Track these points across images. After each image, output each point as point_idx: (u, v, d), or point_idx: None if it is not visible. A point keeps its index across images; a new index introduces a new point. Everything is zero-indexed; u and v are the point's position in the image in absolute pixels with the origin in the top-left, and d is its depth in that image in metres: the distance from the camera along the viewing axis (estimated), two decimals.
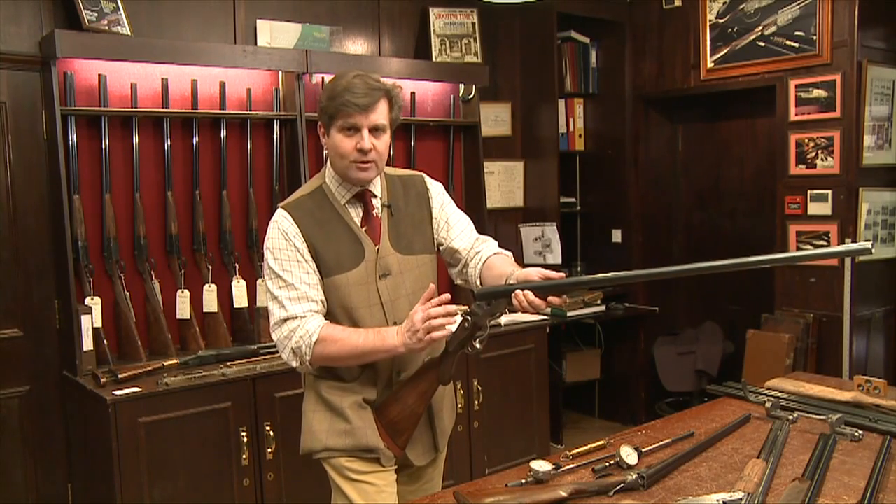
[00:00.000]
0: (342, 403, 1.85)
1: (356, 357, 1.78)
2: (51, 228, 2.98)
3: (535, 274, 1.71)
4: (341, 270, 1.82)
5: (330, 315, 1.84)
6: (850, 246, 1.25)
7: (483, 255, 1.94)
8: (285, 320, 1.78)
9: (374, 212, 1.88)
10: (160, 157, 3.11)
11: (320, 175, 1.92)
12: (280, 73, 3.37)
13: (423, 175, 2.03)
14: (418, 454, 1.94)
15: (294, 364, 1.80)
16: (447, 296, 1.73)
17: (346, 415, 1.85)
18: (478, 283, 1.91)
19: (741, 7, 4.04)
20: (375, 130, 1.78)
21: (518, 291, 1.66)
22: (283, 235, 1.81)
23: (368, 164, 1.79)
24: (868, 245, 1.29)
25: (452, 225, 1.98)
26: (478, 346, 1.78)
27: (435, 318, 1.69)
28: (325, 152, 1.89)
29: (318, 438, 1.87)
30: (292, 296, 1.78)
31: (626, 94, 4.62)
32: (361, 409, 1.86)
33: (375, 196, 1.89)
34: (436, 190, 2.01)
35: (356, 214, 1.87)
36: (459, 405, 3.42)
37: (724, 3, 4.12)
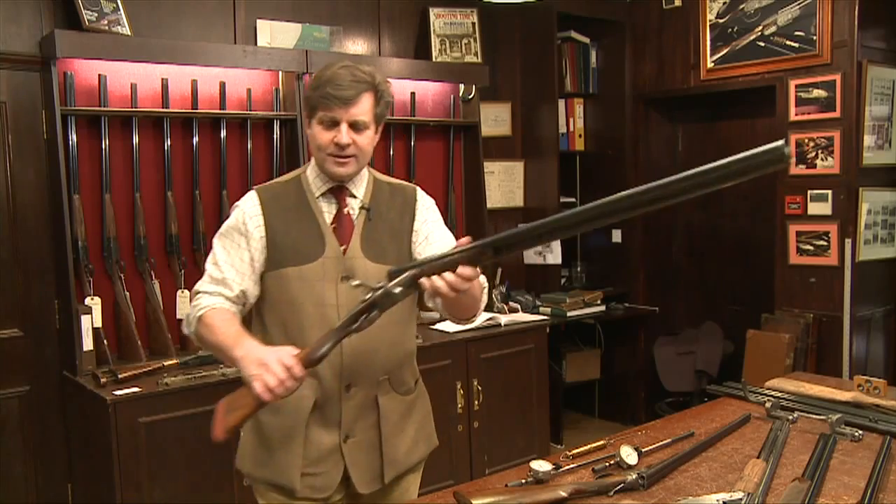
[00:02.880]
0: (271, 430, 1.72)
1: (218, 351, 1.63)
2: (51, 228, 2.98)
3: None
4: (295, 262, 1.71)
5: (274, 309, 1.75)
6: (761, 148, 1.17)
7: None
8: (197, 292, 1.72)
9: (347, 210, 1.76)
10: (160, 157, 3.11)
11: (301, 168, 1.85)
12: (280, 73, 3.37)
13: (418, 188, 1.92)
14: (358, 477, 1.74)
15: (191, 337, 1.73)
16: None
17: (271, 444, 1.72)
18: (441, 311, 1.74)
19: (741, 7, 4.04)
20: (356, 125, 1.68)
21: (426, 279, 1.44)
22: (241, 215, 1.74)
23: (346, 160, 1.70)
24: (781, 144, 1.18)
25: (431, 242, 1.81)
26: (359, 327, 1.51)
27: (287, 376, 1.44)
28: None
29: (244, 463, 1.79)
30: (214, 275, 1.72)
31: (626, 94, 4.62)
32: (288, 441, 1.70)
33: (354, 196, 1.79)
34: (425, 203, 1.88)
35: (328, 210, 1.77)
36: (459, 405, 3.42)
37: (724, 3, 4.12)
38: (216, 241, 1.77)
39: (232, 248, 1.73)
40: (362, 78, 1.69)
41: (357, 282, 1.60)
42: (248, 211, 1.75)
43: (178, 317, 3.10)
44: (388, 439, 1.77)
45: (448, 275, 1.42)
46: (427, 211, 1.87)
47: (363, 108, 1.69)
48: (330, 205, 1.77)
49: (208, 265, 1.75)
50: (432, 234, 1.84)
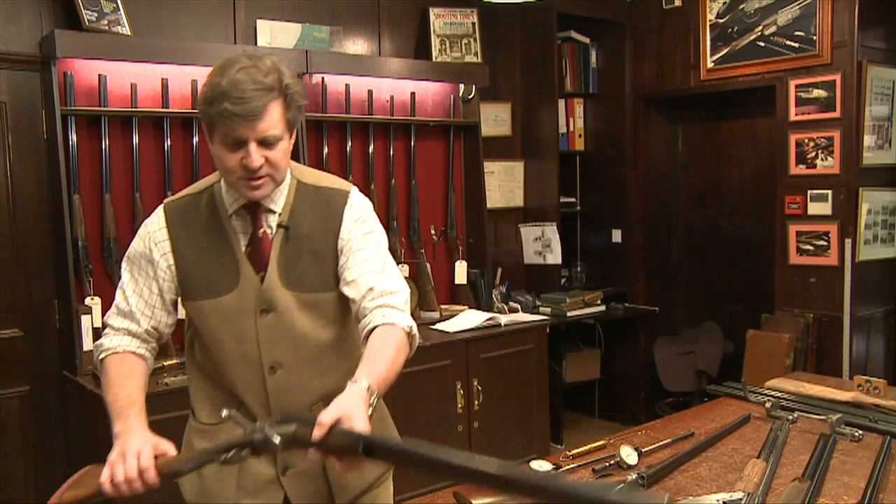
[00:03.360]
0: None
1: (107, 408, 1.46)
2: (51, 228, 2.98)
3: (326, 416, 1.23)
4: (209, 295, 1.51)
5: (199, 337, 1.58)
6: (643, 497, 1.10)
7: (369, 324, 1.47)
8: (105, 325, 1.57)
9: (262, 231, 1.51)
10: (160, 157, 3.11)
11: (216, 174, 1.57)
12: None
13: (351, 191, 1.60)
14: (298, 493, 1.58)
15: None
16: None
17: (204, 472, 1.56)
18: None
19: (741, 7, 4.04)
20: (266, 141, 1.40)
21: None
22: (147, 239, 1.54)
23: (261, 181, 1.43)
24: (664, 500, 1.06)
25: (350, 267, 1.52)
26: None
27: (137, 477, 1.30)
28: None
29: (183, 486, 1.63)
30: (121, 306, 1.55)
31: (626, 94, 4.62)
32: (221, 470, 1.49)
33: (272, 211, 1.52)
34: (354, 213, 1.56)
35: (242, 230, 1.52)
36: (459, 405, 3.42)
37: (724, 3, 4.12)
38: (124, 265, 1.58)
39: (139, 276, 1.55)
40: (266, 84, 1.38)
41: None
42: (153, 235, 1.54)
43: (178, 317, 3.09)
44: (331, 466, 1.48)
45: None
46: (354, 224, 1.56)
47: (272, 121, 1.39)
48: (245, 223, 1.52)
49: (117, 292, 1.57)
50: (356, 253, 1.53)
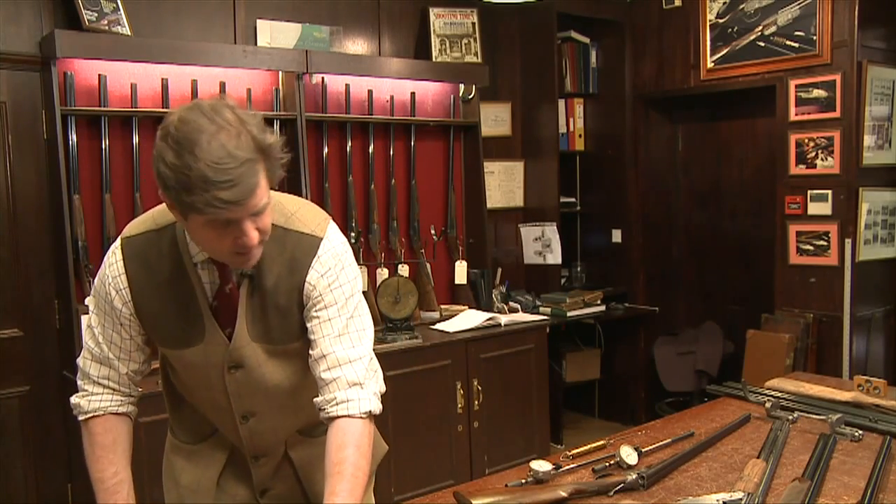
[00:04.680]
0: (181, 473, 1.58)
1: (91, 481, 1.44)
2: (51, 228, 2.98)
3: None
4: (175, 346, 1.42)
5: (174, 372, 1.52)
6: None
7: (326, 412, 1.37)
8: (82, 373, 1.46)
9: (229, 287, 1.37)
10: None
11: None
12: (280, 73, 3.37)
13: (323, 237, 1.41)
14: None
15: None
16: None
17: (179, 491, 1.57)
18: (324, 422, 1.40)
19: (741, 7, 4.04)
20: (255, 213, 1.23)
21: None
22: (106, 285, 1.40)
23: (253, 251, 1.28)
24: None
25: (311, 322, 1.40)
26: None
27: None
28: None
29: (168, 495, 1.64)
30: (95, 352, 1.44)
31: (626, 94, 4.62)
32: (199, 488, 1.55)
33: None
34: (322, 266, 1.39)
35: (209, 280, 1.38)
36: (459, 405, 3.42)
37: (724, 3, 4.12)
38: (91, 303, 1.45)
39: (107, 321, 1.43)
40: (248, 154, 1.17)
41: None
42: (112, 280, 1.39)
43: None
44: (311, 486, 1.56)
45: None
46: (321, 279, 1.39)
47: (262, 192, 1.22)
48: (211, 273, 1.37)
49: (86, 333, 1.46)
50: (310, 319, 1.40)
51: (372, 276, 3.65)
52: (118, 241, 1.42)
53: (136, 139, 3.02)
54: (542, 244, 4.42)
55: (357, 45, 3.84)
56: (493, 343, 3.56)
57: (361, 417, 1.36)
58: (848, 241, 3.69)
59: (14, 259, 2.95)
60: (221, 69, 3.20)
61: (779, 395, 2.21)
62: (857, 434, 1.86)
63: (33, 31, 2.92)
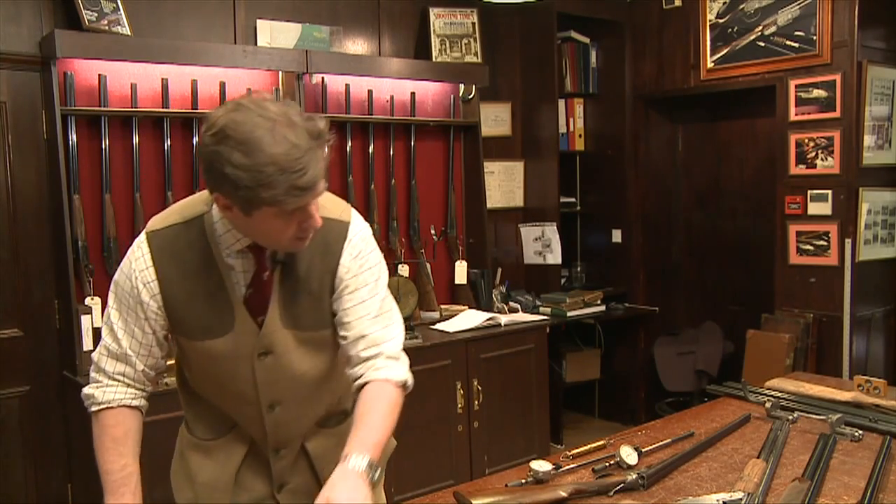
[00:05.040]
0: (198, 470, 1.56)
1: (100, 473, 1.42)
2: (51, 228, 2.98)
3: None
4: (202, 337, 1.42)
5: (192, 366, 1.52)
6: None
7: (362, 377, 1.44)
8: (97, 367, 1.46)
9: (266, 274, 1.41)
10: (160, 157, 3.11)
11: (203, 201, 1.43)
12: (280, 73, 3.37)
13: (350, 222, 1.47)
14: (290, 499, 1.59)
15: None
16: None
17: (196, 488, 1.56)
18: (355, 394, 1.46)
19: (741, 7, 4.04)
20: (317, 196, 1.30)
21: None
22: (133, 278, 1.40)
23: (310, 234, 1.35)
24: None
25: (345, 308, 1.45)
26: None
27: None
28: (212, 203, 1.37)
29: (175, 494, 1.63)
30: (112, 347, 1.44)
31: (626, 94, 4.62)
32: (216, 484, 1.54)
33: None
34: (353, 249, 1.46)
35: (242, 269, 1.41)
36: (459, 405, 3.42)
37: (724, 3, 4.12)
38: (111, 299, 1.45)
39: (128, 315, 1.42)
40: (305, 137, 1.22)
41: None
42: (139, 275, 1.40)
43: None
44: (325, 479, 1.50)
45: None
46: (353, 262, 1.46)
47: (324, 175, 1.28)
48: (246, 262, 1.41)
49: (105, 330, 1.45)
50: (344, 304, 1.45)
51: None
52: (143, 236, 1.43)
53: (136, 139, 3.02)
54: (542, 244, 4.42)
55: (357, 45, 3.84)
56: (493, 343, 3.56)
57: (396, 386, 1.42)
58: (848, 241, 3.69)
59: (14, 259, 2.95)
60: (221, 69, 3.20)
61: (779, 395, 2.21)
62: (857, 434, 1.86)
63: (33, 31, 2.92)
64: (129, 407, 1.46)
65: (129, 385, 1.46)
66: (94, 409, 1.44)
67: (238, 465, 1.56)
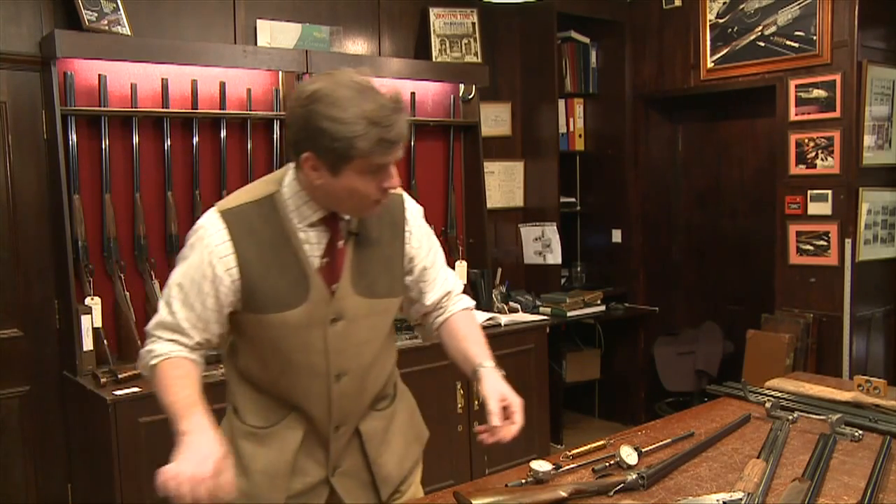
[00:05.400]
0: (251, 459, 1.55)
1: (167, 412, 1.42)
2: (51, 228, 2.98)
3: (492, 396, 1.51)
4: (277, 309, 1.46)
5: (253, 345, 1.54)
6: None
7: (449, 311, 1.69)
8: (150, 335, 1.50)
9: (341, 242, 1.50)
10: (160, 157, 3.11)
11: (273, 181, 1.51)
12: (280, 73, 3.37)
13: (403, 194, 1.66)
14: (348, 490, 1.62)
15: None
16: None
17: (252, 477, 1.54)
18: (434, 335, 1.72)
19: (741, 7, 4.04)
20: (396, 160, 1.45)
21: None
22: (207, 253, 1.44)
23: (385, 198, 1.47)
24: None
25: (428, 267, 1.65)
26: None
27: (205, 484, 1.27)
28: (297, 172, 1.47)
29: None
30: (168, 321, 1.48)
31: (626, 94, 4.62)
32: (272, 473, 1.54)
33: (343, 219, 1.51)
34: (414, 220, 1.64)
35: (317, 241, 1.49)
36: (459, 405, 3.42)
37: (724, 3, 4.12)
38: (176, 275, 1.48)
39: (193, 291, 1.45)
40: (401, 102, 1.41)
41: None
42: (215, 249, 1.44)
43: None
44: (375, 460, 1.64)
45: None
46: (417, 229, 1.64)
47: (406, 137, 1.44)
48: (320, 235, 1.49)
49: (162, 305, 1.49)
50: (427, 258, 1.65)
51: None
52: (215, 213, 1.47)
53: (136, 139, 3.02)
54: (542, 244, 4.42)
55: (357, 45, 3.84)
56: (493, 343, 3.48)
57: (472, 310, 1.72)
58: (848, 241, 3.69)
59: (14, 259, 2.95)
60: (221, 69, 3.20)
61: (779, 395, 2.21)
62: (857, 434, 1.86)
63: (33, 31, 2.92)
64: (187, 358, 1.49)
65: (183, 346, 1.49)
66: (153, 361, 1.47)
67: (295, 451, 1.56)
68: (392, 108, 1.37)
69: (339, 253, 1.50)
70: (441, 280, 1.69)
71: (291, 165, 1.48)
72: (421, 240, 1.64)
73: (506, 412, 1.52)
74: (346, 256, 1.51)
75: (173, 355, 1.47)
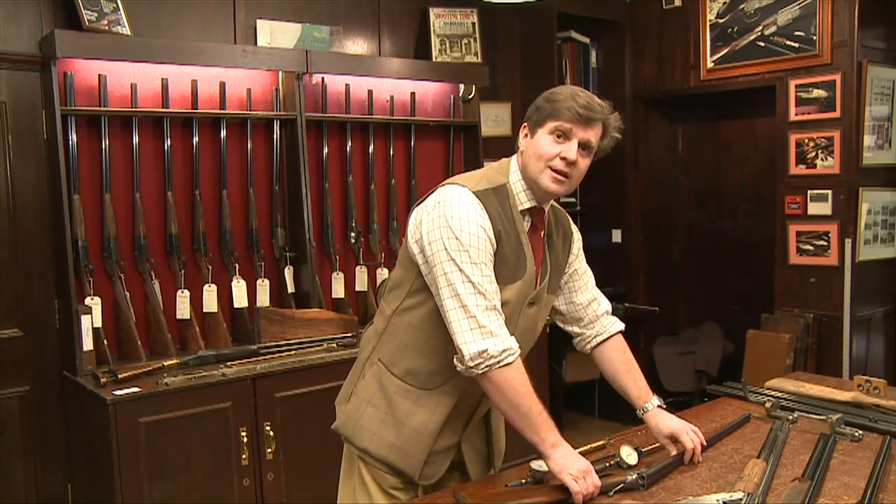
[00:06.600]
0: (405, 416, 1.69)
1: (514, 408, 1.58)
2: (51, 228, 2.98)
3: (681, 432, 1.80)
4: (504, 282, 1.64)
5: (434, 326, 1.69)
6: None
7: (604, 331, 1.96)
8: (485, 328, 1.55)
9: (543, 233, 1.75)
10: (160, 157, 3.11)
11: (501, 170, 1.73)
12: (280, 73, 3.37)
13: (567, 214, 1.93)
14: (475, 468, 1.82)
15: (462, 366, 1.58)
16: None
17: (403, 431, 1.69)
18: (587, 351, 1.99)
19: (741, 7, 4.04)
20: (585, 146, 1.65)
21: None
22: (481, 220, 1.60)
23: (564, 178, 1.64)
24: None
25: (581, 274, 1.90)
26: None
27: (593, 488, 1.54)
28: (519, 149, 1.72)
29: (360, 435, 1.72)
30: (493, 302, 1.57)
31: (626, 94, 4.62)
32: (421, 432, 1.68)
33: (545, 210, 1.75)
34: (577, 235, 1.91)
35: (525, 229, 1.71)
36: None
37: (724, 3, 4.12)
38: (456, 260, 1.56)
39: (485, 261, 1.59)
40: (601, 107, 1.68)
41: None
42: (480, 221, 1.60)
43: (178, 317, 3.10)
44: (494, 431, 1.87)
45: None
46: (580, 244, 1.91)
47: (596, 133, 1.67)
48: (525, 223, 1.71)
49: (474, 289, 1.55)
50: (580, 267, 1.90)
51: (372, 276, 3.65)
52: (466, 193, 1.62)
53: (136, 139, 3.02)
54: None
55: (357, 45, 3.84)
56: None
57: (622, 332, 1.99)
58: (848, 241, 3.69)
59: (14, 259, 2.95)
60: (221, 69, 3.20)
61: (779, 395, 2.21)
62: (857, 434, 1.86)
63: (33, 31, 2.92)
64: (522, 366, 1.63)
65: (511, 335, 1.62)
66: (510, 359, 1.57)
67: (446, 414, 1.70)
68: (595, 102, 1.65)
69: (538, 244, 1.73)
70: (592, 286, 1.94)
71: (512, 157, 1.74)
72: (580, 253, 1.90)
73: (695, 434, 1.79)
74: (542, 249, 1.74)
75: (518, 354, 1.60)
